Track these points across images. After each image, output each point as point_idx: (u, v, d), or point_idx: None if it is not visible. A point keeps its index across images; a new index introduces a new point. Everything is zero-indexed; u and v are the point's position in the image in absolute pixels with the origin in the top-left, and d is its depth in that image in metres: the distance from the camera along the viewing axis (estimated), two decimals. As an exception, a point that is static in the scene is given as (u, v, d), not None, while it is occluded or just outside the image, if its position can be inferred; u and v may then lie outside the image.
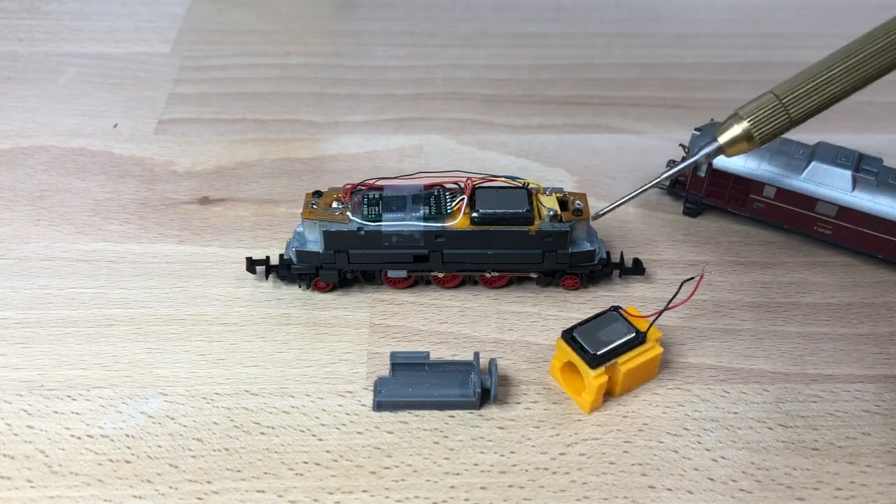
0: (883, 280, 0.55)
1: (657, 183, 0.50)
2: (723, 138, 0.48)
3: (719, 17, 0.83)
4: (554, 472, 0.43)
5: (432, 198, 0.50)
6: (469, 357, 0.49)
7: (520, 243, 0.50)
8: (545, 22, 0.83)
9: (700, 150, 0.48)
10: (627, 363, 0.46)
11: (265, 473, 0.43)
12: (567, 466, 0.44)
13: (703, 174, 0.57)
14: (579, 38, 0.80)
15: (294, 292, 0.53)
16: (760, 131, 0.46)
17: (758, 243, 0.58)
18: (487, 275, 0.53)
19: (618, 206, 0.51)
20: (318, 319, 0.51)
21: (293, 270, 0.52)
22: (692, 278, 0.48)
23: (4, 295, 0.53)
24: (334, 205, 0.50)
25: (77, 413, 0.46)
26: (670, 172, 0.50)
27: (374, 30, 0.81)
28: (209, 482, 0.43)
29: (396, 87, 0.73)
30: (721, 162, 0.56)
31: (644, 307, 0.50)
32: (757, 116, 0.46)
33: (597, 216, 0.51)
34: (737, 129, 0.47)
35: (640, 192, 0.51)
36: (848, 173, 0.53)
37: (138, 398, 0.46)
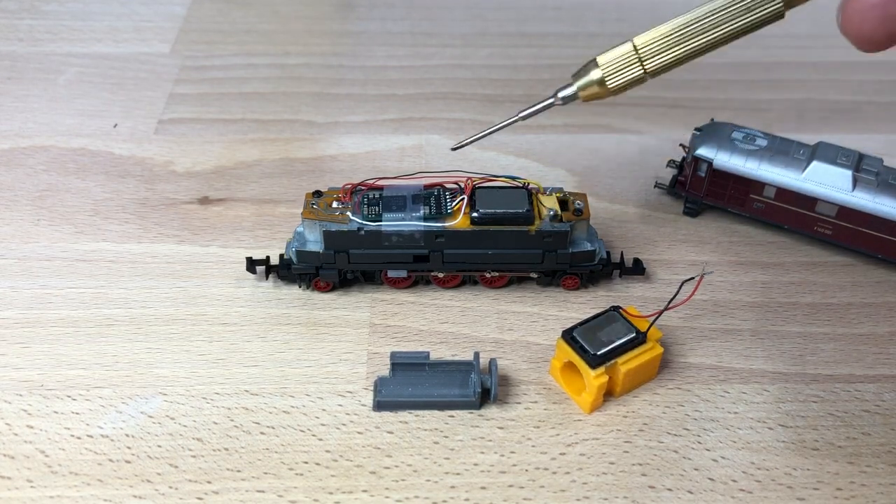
0: (883, 280, 0.55)
1: (519, 118, 0.48)
2: (579, 83, 0.46)
3: (719, 17, 0.83)
4: (554, 472, 0.43)
5: (432, 198, 0.50)
6: (469, 357, 0.49)
7: (520, 243, 0.50)
8: (545, 22, 0.83)
9: (557, 91, 0.47)
10: (627, 363, 0.46)
11: (265, 473, 0.43)
12: (567, 466, 0.44)
13: (702, 174, 0.57)
14: (579, 38, 0.80)
15: (294, 292, 0.53)
16: (613, 81, 0.45)
17: (758, 243, 0.58)
18: (487, 275, 0.53)
19: (478, 138, 0.49)
20: (318, 319, 0.51)
21: (293, 270, 0.52)
22: (692, 278, 0.48)
23: (4, 295, 0.53)
24: (334, 205, 0.50)
25: (77, 413, 0.46)
26: (530, 112, 0.48)
27: (374, 30, 0.81)
28: (209, 482, 0.43)
29: (396, 87, 0.73)
30: (721, 162, 0.56)
31: (644, 307, 0.50)
32: (612, 65, 0.45)
33: (458, 146, 0.50)
34: (592, 76, 0.45)
35: (500, 127, 0.49)
36: (848, 173, 0.53)
37: (138, 398, 0.46)
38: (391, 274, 0.52)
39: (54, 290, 0.53)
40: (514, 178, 0.51)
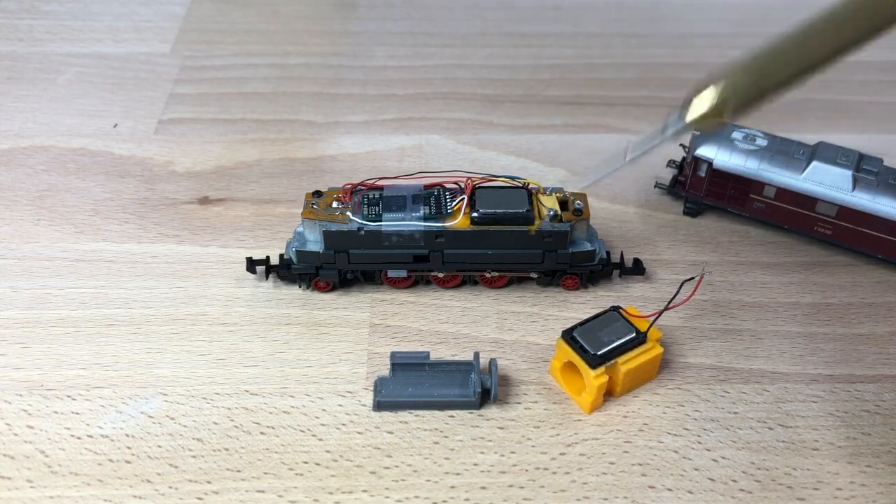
0: (883, 280, 0.55)
1: (631, 159, 0.47)
2: (690, 116, 0.43)
3: (719, 17, 0.83)
4: (554, 472, 0.43)
5: (432, 198, 0.50)
6: (469, 357, 0.49)
7: (520, 243, 0.50)
8: (545, 22, 0.83)
9: (665, 125, 0.45)
10: (627, 363, 0.46)
11: (265, 473, 0.43)
12: (567, 466, 0.44)
13: (702, 174, 0.57)
14: (579, 38, 0.80)
15: (294, 292, 0.53)
16: (729, 106, 0.42)
17: (758, 243, 0.58)
18: (487, 275, 0.53)
19: (595, 181, 0.50)
20: (318, 319, 0.51)
21: (293, 270, 0.52)
22: (692, 278, 0.48)
23: (4, 295, 0.53)
24: (334, 205, 0.50)
25: (77, 413, 0.46)
26: (640, 152, 0.46)
27: (374, 30, 0.81)
28: (209, 482, 0.43)
29: (396, 87, 0.73)
30: (721, 162, 0.56)
31: (644, 307, 0.50)
32: (724, 91, 0.42)
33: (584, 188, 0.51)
34: (703, 103, 0.43)
35: (614, 170, 0.48)
36: (848, 173, 0.53)
37: (138, 398, 0.46)
38: (391, 274, 0.52)
39: (54, 290, 0.53)
40: (514, 178, 0.51)
